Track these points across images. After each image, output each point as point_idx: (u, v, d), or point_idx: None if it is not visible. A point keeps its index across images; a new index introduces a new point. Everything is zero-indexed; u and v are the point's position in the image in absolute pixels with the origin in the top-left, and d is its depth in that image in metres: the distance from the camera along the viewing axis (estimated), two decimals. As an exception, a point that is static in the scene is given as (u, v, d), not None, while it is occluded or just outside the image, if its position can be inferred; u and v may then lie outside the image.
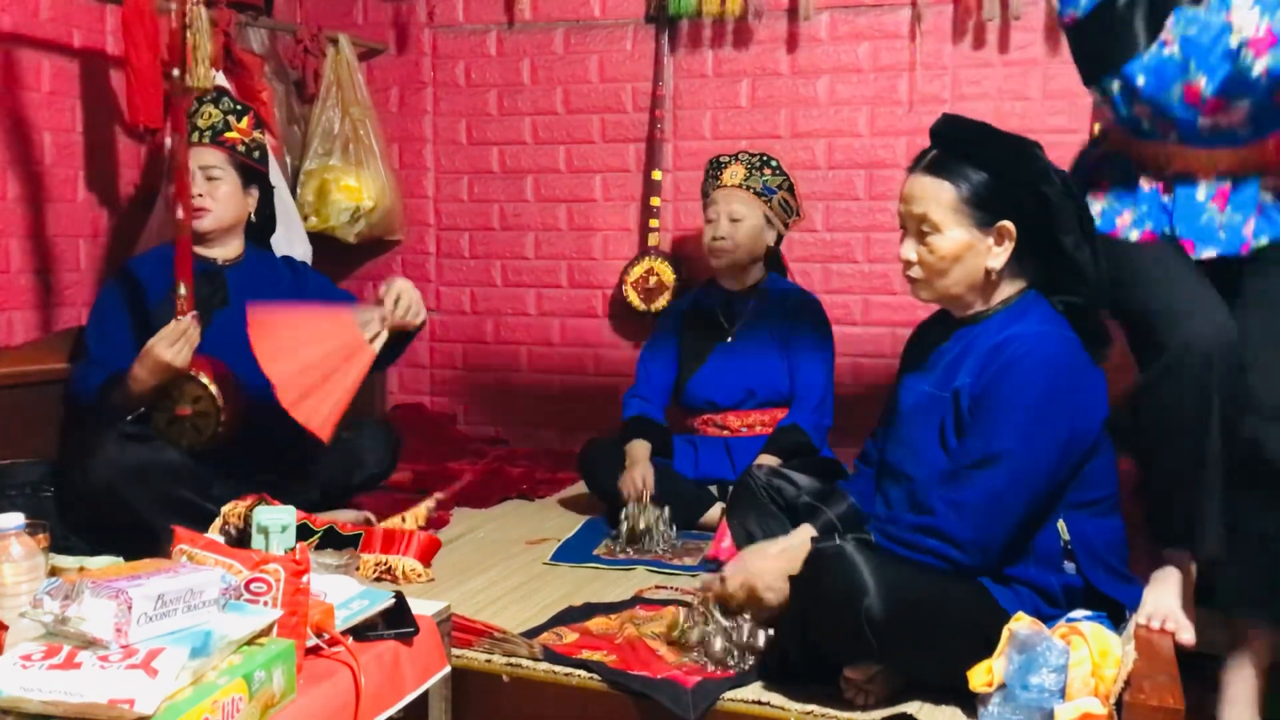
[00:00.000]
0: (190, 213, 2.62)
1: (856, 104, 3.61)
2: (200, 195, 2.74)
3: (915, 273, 2.00)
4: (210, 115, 2.80)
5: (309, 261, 3.54)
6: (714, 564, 2.70)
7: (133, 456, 2.46)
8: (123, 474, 2.43)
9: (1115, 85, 2.12)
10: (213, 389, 2.63)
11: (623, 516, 2.82)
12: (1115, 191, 2.21)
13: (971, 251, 1.95)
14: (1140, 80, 2.07)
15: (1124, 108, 2.13)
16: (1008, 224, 1.93)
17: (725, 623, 2.01)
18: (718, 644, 1.99)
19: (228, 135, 2.79)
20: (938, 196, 1.94)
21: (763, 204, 3.13)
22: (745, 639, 1.98)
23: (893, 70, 3.56)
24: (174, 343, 2.54)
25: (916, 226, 1.97)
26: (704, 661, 2.00)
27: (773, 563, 1.99)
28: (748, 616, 2.00)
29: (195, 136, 2.78)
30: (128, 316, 2.76)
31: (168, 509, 2.39)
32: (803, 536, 2.03)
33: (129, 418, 2.62)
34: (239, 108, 2.85)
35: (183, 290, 2.58)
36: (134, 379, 2.58)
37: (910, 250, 1.99)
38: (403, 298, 2.60)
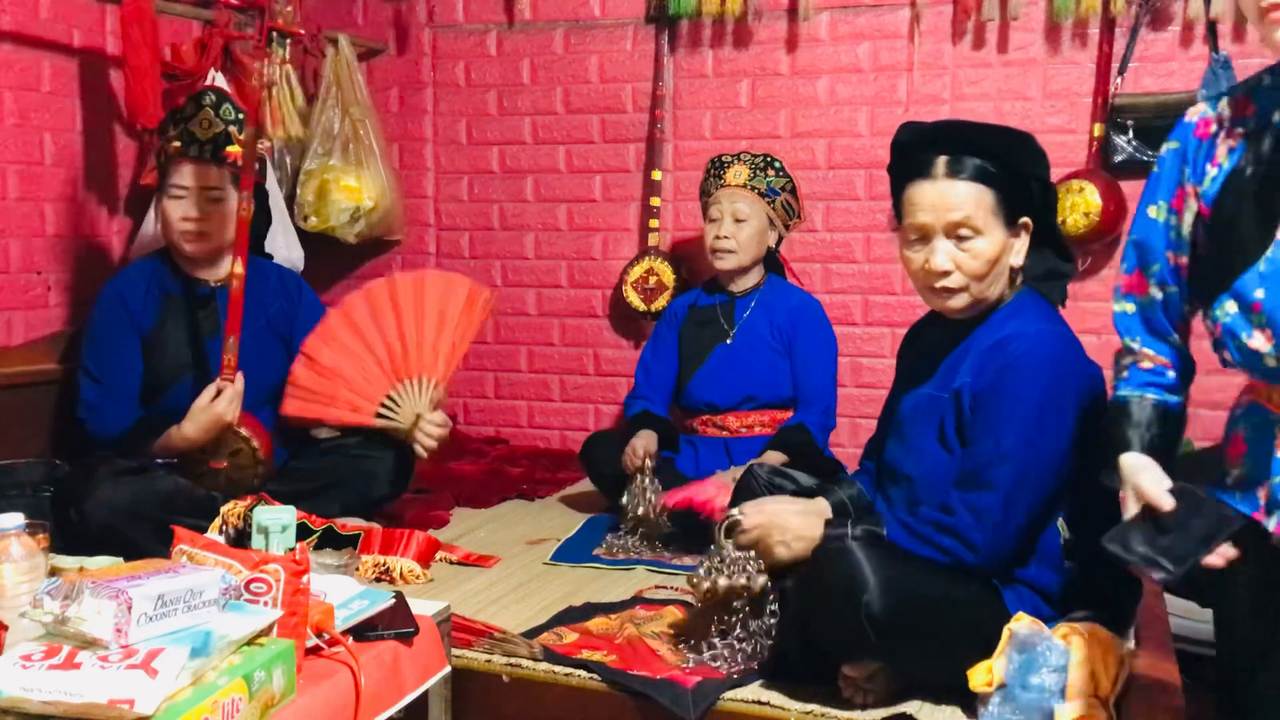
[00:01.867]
0: (244, 259, 2.63)
1: (856, 104, 3.60)
2: (202, 219, 2.70)
3: (955, 280, 1.92)
4: (211, 124, 2.71)
5: (301, 265, 3.54)
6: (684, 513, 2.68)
7: (126, 492, 2.45)
8: (119, 512, 2.42)
9: (1231, 307, 1.53)
10: (254, 442, 2.65)
11: (624, 501, 2.82)
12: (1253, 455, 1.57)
13: (1005, 251, 1.93)
14: (1258, 294, 1.50)
15: (1244, 333, 1.52)
16: (1027, 219, 1.95)
17: (733, 553, 2.00)
18: (722, 581, 1.99)
19: (230, 150, 2.72)
20: (979, 199, 1.90)
21: (766, 205, 3.13)
22: (752, 580, 1.98)
23: (892, 70, 3.56)
24: (231, 401, 2.59)
25: (952, 231, 1.91)
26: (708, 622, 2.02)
27: (795, 519, 1.99)
28: (753, 555, 2.00)
29: (194, 150, 2.70)
30: (126, 341, 2.75)
31: (169, 538, 2.40)
32: (822, 505, 2.04)
33: (159, 462, 2.64)
34: (240, 115, 2.76)
35: (232, 343, 2.61)
36: (182, 436, 2.61)
37: (945, 259, 1.91)
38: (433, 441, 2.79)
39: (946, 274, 1.92)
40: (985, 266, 1.91)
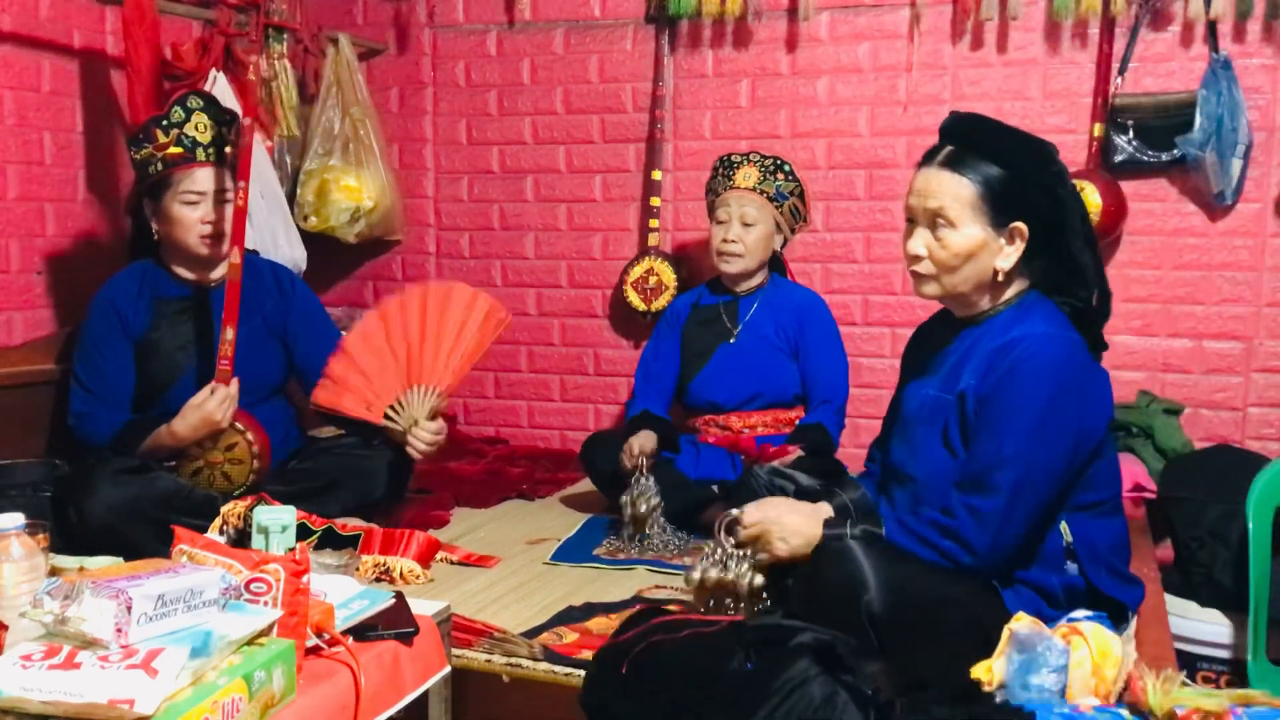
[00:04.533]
0: (242, 250, 2.64)
1: (856, 104, 3.60)
2: (219, 221, 2.71)
3: (924, 267, 1.98)
4: (208, 127, 2.70)
5: (304, 265, 3.53)
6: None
7: (125, 492, 2.45)
8: (118, 512, 2.42)
9: None
10: (249, 435, 2.65)
11: (623, 501, 2.82)
12: None
13: (984, 250, 1.93)
14: None
15: None
16: (1021, 225, 1.92)
17: (729, 549, 2.00)
18: (713, 574, 1.99)
19: (228, 150, 2.74)
20: (956, 192, 1.92)
21: (774, 209, 3.12)
22: (741, 575, 1.98)
23: (892, 70, 3.56)
24: (223, 402, 2.58)
25: (930, 219, 1.95)
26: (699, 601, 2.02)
27: (795, 516, 1.99)
28: (749, 553, 2.00)
29: (202, 154, 2.69)
30: (117, 349, 2.75)
31: (169, 538, 2.40)
32: (823, 508, 2.04)
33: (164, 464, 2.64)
34: (228, 116, 2.77)
35: (230, 335, 2.60)
36: (173, 435, 2.61)
37: (920, 244, 1.96)
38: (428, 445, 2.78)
39: (918, 259, 1.98)
40: (955, 259, 1.94)
